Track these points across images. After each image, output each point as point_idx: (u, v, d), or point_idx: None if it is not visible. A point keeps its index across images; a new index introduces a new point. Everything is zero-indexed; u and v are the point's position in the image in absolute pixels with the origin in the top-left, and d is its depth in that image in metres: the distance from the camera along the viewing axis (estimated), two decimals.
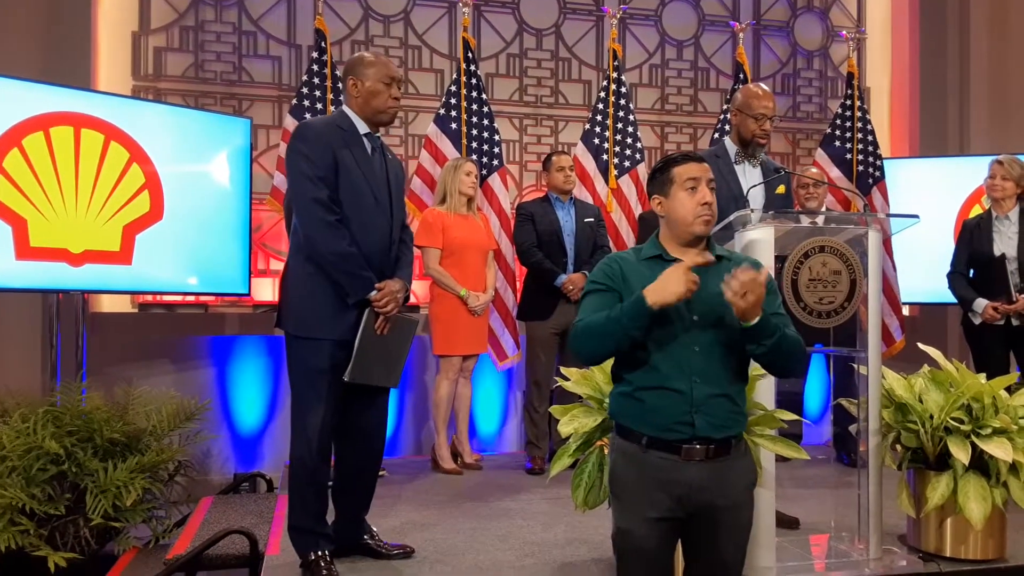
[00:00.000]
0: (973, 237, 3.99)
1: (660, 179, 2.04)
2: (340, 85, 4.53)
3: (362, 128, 2.75)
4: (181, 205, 4.12)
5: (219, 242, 4.30)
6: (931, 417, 2.85)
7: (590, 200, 4.81)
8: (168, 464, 3.71)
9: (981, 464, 2.81)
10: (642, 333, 1.87)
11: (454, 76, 4.78)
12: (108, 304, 4.69)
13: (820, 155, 5.39)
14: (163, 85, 4.88)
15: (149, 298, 4.69)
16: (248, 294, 4.54)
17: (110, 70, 4.75)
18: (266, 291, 4.99)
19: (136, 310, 4.72)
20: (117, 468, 3.34)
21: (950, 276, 4.06)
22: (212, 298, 4.74)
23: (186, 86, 4.92)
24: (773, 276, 2.57)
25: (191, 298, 4.71)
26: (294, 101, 4.50)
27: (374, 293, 2.66)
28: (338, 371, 2.67)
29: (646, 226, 4.52)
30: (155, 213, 4.02)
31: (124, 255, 3.92)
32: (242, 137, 4.42)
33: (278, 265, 4.99)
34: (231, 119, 4.54)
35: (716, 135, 5.33)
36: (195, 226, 4.19)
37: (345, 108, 2.79)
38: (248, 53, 5.04)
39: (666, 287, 1.83)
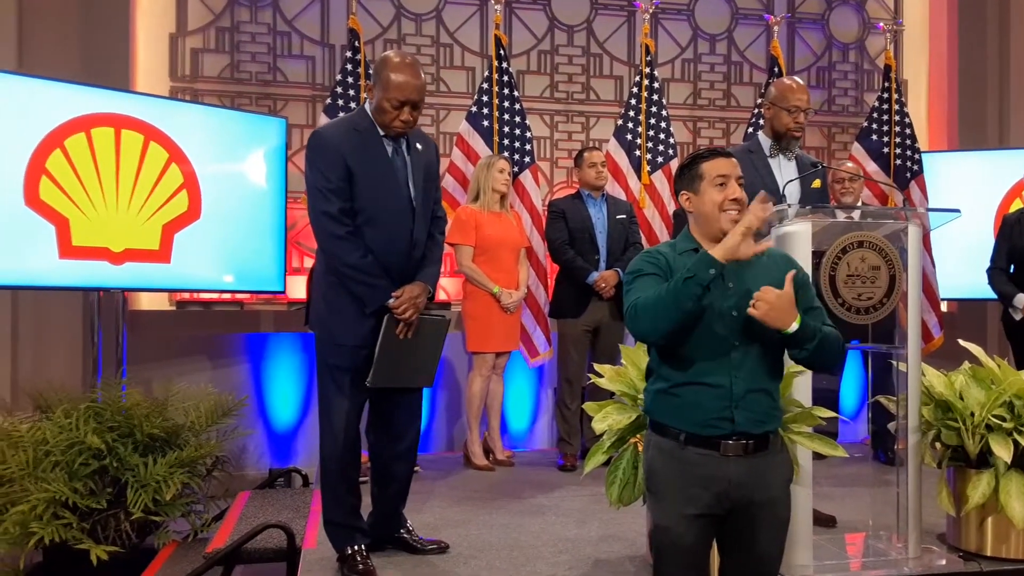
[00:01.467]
0: (1014, 232, 3.92)
1: (688, 175, 2.02)
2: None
3: (381, 129, 2.68)
4: (218, 204, 4.18)
5: (255, 240, 4.36)
6: (972, 415, 2.80)
7: (623, 196, 4.79)
8: (206, 459, 3.76)
9: (1023, 462, 2.76)
10: (701, 297, 1.82)
11: (486, 74, 4.80)
12: (147, 302, 4.78)
13: (856, 149, 5.31)
14: (200, 86, 4.95)
15: (187, 296, 4.76)
16: (283, 292, 4.60)
17: (148, 72, 4.83)
18: (300, 289, 5.03)
19: (174, 308, 4.80)
20: (157, 463, 3.40)
21: (990, 272, 3.99)
22: (248, 296, 4.80)
23: (222, 86, 4.99)
24: (809, 271, 2.55)
25: (227, 296, 4.77)
26: (328, 100, 4.54)
27: (392, 300, 2.64)
28: (361, 372, 2.67)
29: (680, 222, 4.49)
30: (193, 212, 4.08)
31: (163, 254, 3.99)
32: (277, 136, 4.47)
33: (311, 263, 5.03)
34: (266, 119, 4.59)
35: (750, 130, 5.27)
36: (232, 225, 4.24)
37: (366, 105, 2.71)
38: (283, 53, 5.10)
39: (734, 238, 1.82)
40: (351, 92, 4.50)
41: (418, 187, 2.74)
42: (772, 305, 1.81)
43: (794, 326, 1.84)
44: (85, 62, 4.43)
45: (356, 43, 4.57)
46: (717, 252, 1.81)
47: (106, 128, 3.81)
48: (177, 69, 4.93)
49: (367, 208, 2.64)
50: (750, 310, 1.82)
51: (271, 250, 4.44)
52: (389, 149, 2.69)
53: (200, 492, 3.75)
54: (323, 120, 4.46)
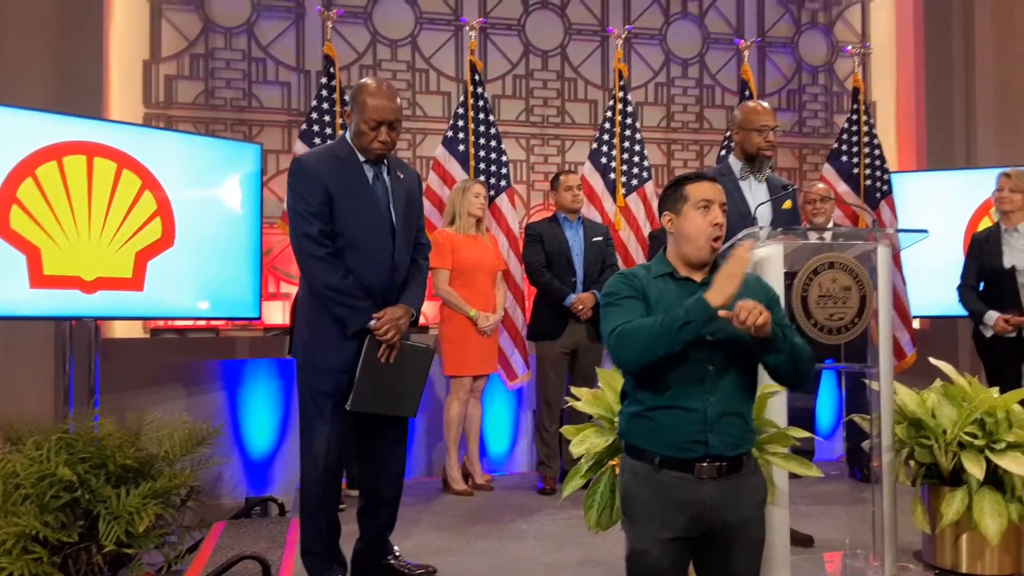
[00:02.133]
0: (983, 250, 3.99)
1: (673, 196, 2.04)
2: (348, 109, 4.58)
3: (361, 155, 2.72)
4: (192, 231, 4.15)
5: (230, 267, 4.33)
6: (944, 432, 2.84)
7: (598, 219, 4.82)
8: (180, 489, 3.70)
9: (996, 479, 2.80)
10: (694, 340, 1.83)
11: (461, 98, 4.83)
12: (120, 330, 4.73)
13: (827, 170, 5.40)
14: (174, 112, 4.94)
15: (161, 323, 4.72)
16: (259, 318, 4.57)
17: (122, 99, 4.81)
18: (276, 314, 5.01)
19: (148, 335, 4.75)
20: (129, 494, 3.33)
21: (960, 289, 4.05)
22: (223, 322, 4.76)
23: (197, 113, 4.98)
24: (781, 293, 2.58)
25: (202, 323, 4.73)
26: (303, 126, 4.54)
27: (373, 322, 2.65)
28: (344, 397, 2.68)
29: (656, 244, 4.53)
30: (167, 239, 4.05)
31: (136, 281, 3.95)
32: (252, 162, 4.46)
33: (289, 288, 5.02)
34: (241, 145, 4.58)
35: (722, 152, 5.34)
36: (206, 251, 4.22)
37: (347, 133, 2.77)
38: (258, 79, 5.11)
39: (728, 287, 1.81)
40: (327, 118, 4.51)
41: (399, 212, 2.76)
42: (750, 310, 1.79)
43: (769, 326, 1.82)
44: (59, 89, 4.40)
45: (331, 69, 4.59)
46: (714, 300, 1.80)
47: (78, 156, 3.78)
48: (151, 96, 4.91)
49: (347, 231, 2.66)
50: (736, 322, 1.80)
51: (246, 276, 4.41)
52: (370, 175, 2.73)
53: (174, 523, 3.68)
54: (299, 146, 4.47)
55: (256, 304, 4.46)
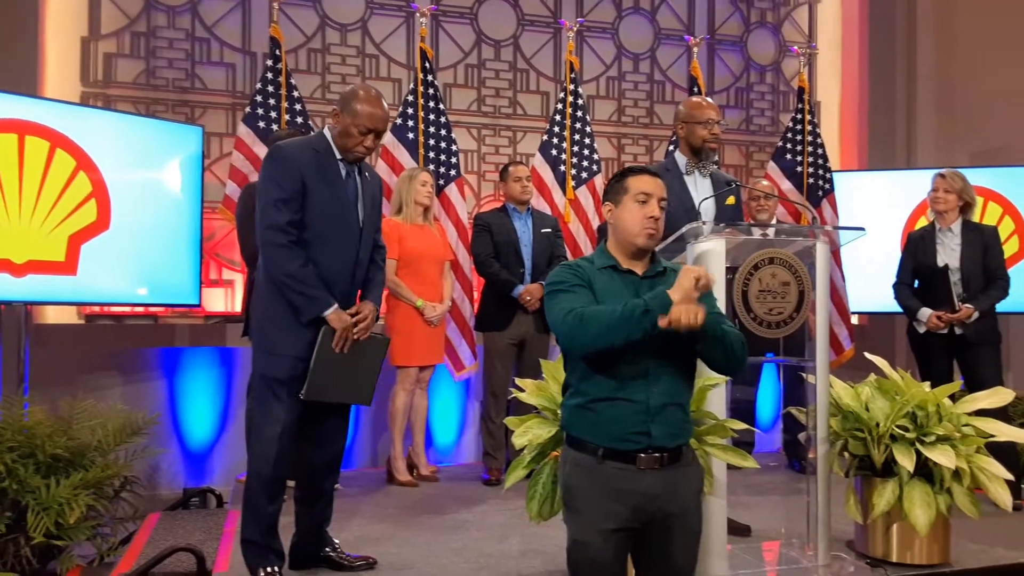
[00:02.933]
0: (918, 249, 4.09)
1: (615, 188, 2.07)
2: (295, 93, 4.50)
3: (338, 153, 2.76)
4: (130, 214, 4.03)
5: (169, 252, 4.22)
6: (877, 425, 2.91)
7: (548, 211, 4.83)
8: (114, 480, 3.62)
9: (926, 471, 2.88)
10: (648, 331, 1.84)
11: (411, 86, 4.77)
12: (53, 315, 4.57)
13: (772, 168, 5.49)
14: (113, 92, 4.78)
15: (96, 309, 4.57)
16: (199, 305, 4.46)
17: (58, 76, 4.64)
18: (218, 302, 4.90)
19: (83, 322, 4.60)
20: (60, 485, 3.25)
21: (896, 287, 4.16)
22: (162, 309, 4.64)
23: (137, 93, 4.82)
24: (723, 287, 2.61)
25: (140, 309, 4.60)
26: (248, 109, 4.44)
27: (329, 311, 2.66)
28: (297, 382, 2.68)
29: (604, 236, 4.55)
30: (102, 222, 3.93)
31: (69, 265, 3.82)
32: (194, 145, 4.35)
33: (231, 275, 4.91)
34: (183, 127, 4.46)
35: (671, 147, 5.39)
36: (144, 236, 4.10)
37: (326, 131, 2.80)
38: (201, 60, 4.97)
39: (688, 292, 1.83)
40: (271, 101, 4.41)
41: (366, 211, 2.83)
42: (687, 312, 1.81)
43: (701, 316, 1.84)
44: None
45: (277, 52, 4.49)
46: (674, 296, 1.82)
47: (9, 135, 3.64)
48: (89, 74, 4.74)
49: (317, 224, 2.69)
50: (666, 319, 1.81)
51: (187, 262, 4.30)
52: (343, 172, 2.77)
53: (107, 514, 3.60)
54: (243, 129, 4.38)
55: (196, 291, 4.36)
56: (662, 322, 1.81)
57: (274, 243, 2.64)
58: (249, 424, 2.74)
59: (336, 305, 2.68)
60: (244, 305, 3.86)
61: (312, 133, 3.18)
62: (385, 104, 2.80)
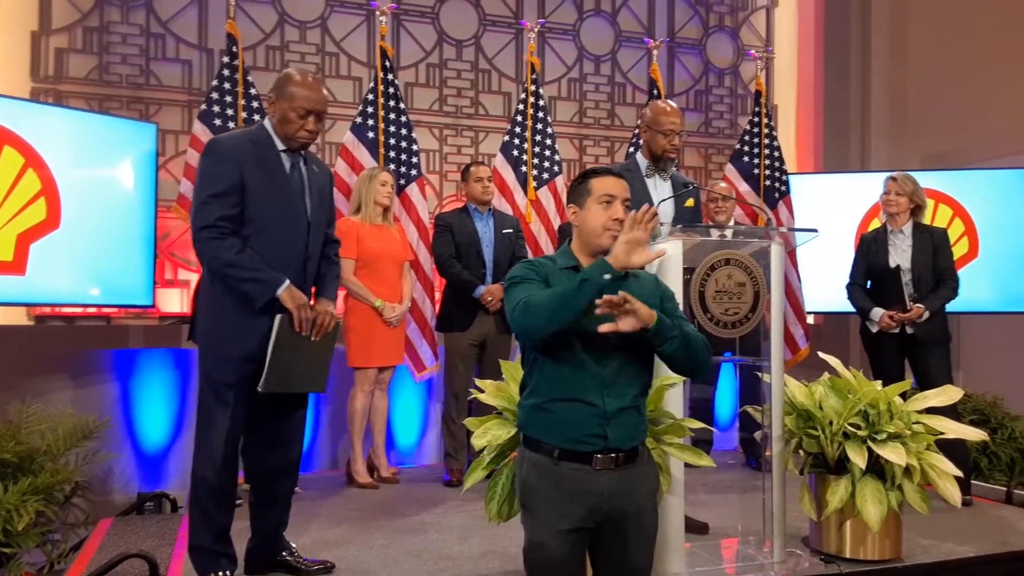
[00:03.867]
0: (870, 250, 4.17)
1: (579, 189, 2.08)
2: (252, 91, 4.43)
3: (280, 144, 2.69)
4: (81, 213, 3.94)
5: (122, 251, 4.13)
6: (830, 423, 2.96)
7: (509, 211, 4.83)
8: (64, 485, 3.53)
9: (877, 468, 2.93)
10: (593, 301, 1.82)
11: (371, 85, 4.74)
12: (1, 317, 4.43)
13: (729, 170, 5.56)
14: (65, 87, 4.66)
15: (47, 310, 4.46)
16: (153, 306, 4.37)
17: (7, 71, 4.51)
18: (173, 302, 4.81)
19: (32, 323, 4.48)
20: (8, 491, 3.16)
21: (849, 287, 4.23)
22: (115, 310, 4.54)
23: (90, 89, 4.71)
24: (680, 288, 2.64)
25: (92, 310, 4.50)
26: (204, 106, 4.36)
27: (281, 289, 2.58)
28: (245, 384, 2.62)
29: (565, 237, 4.56)
30: (52, 221, 3.83)
31: (17, 265, 3.72)
32: (148, 143, 4.27)
33: (186, 275, 4.82)
34: (136, 124, 4.37)
35: (632, 149, 5.43)
36: (96, 235, 4.01)
37: (266, 122, 2.73)
38: (156, 56, 4.88)
39: (630, 255, 1.83)
40: (228, 98, 4.34)
41: (314, 203, 2.76)
42: (628, 309, 1.82)
43: (654, 320, 1.86)
44: None
45: (234, 48, 4.42)
46: (611, 258, 1.83)
47: None
48: (40, 69, 4.62)
49: (259, 219, 2.62)
50: (609, 326, 1.82)
51: (140, 262, 4.22)
52: (287, 164, 2.71)
53: (57, 520, 3.52)
54: (198, 127, 4.29)
55: (150, 291, 4.28)
56: (614, 302, 1.80)
57: (207, 238, 2.56)
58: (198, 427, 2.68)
59: (288, 282, 2.60)
60: (191, 309, 3.79)
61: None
62: (322, 84, 2.72)
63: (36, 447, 3.48)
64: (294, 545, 2.90)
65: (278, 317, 2.60)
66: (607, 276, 1.81)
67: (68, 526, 3.62)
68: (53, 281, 3.86)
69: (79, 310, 4.50)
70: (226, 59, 4.40)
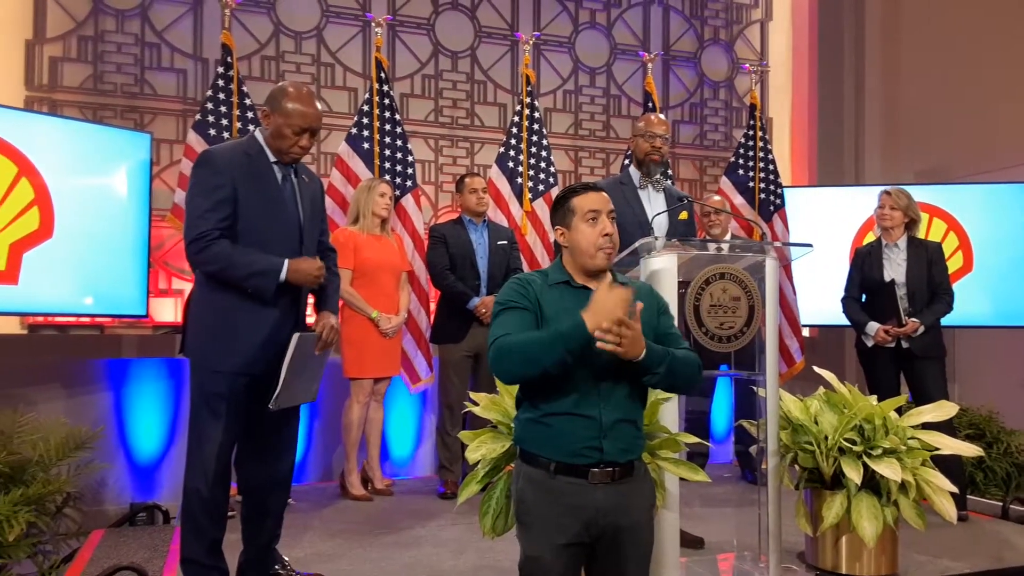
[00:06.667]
0: (865, 263, 4.18)
1: (561, 211, 2.06)
2: (247, 101, 4.43)
3: (272, 156, 2.69)
4: (75, 222, 3.92)
5: (116, 261, 4.11)
6: (826, 438, 2.96)
7: (504, 223, 4.83)
8: (56, 496, 3.51)
9: (873, 483, 2.93)
10: (574, 360, 1.83)
11: (367, 95, 4.74)
12: None
13: (724, 183, 5.57)
14: (59, 96, 4.66)
15: (40, 319, 4.43)
16: (146, 315, 4.35)
17: (1, 79, 4.50)
18: (167, 312, 4.79)
19: (25, 332, 4.45)
20: None
21: (844, 301, 4.24)
22: (108, 319, 4.52)
23: (84, 98, 4.71)
24: (676, 301, 2.63)
25: (86, 319, 4.48)
26: (198, 116, 4.36)
27: (283, 272, 2.58)
28: (238, 398, 2.62)
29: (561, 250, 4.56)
30: (45, 230, 3.82)
31: (10, 274, 3.70)
32: (143, 152, 4.26)
33: (180, 284, 4.81)
34: (131, 133, 4.36)
35: (627, 161, 5.44)
36: (90, 244, 3.99)
37: (258, 133, 2.72)
38: (151, 65, 4.87)
39: (604, 313, 1.80)
40: (223, 108, 4.34)
41: (306, 214, 2.76)
42: (624, 336, 1.82)
43: (642, 355, 1.86)
44: None
45: (229, 59, 4.42)
46: (589, 323, 1.80)
47: None
48: (34, 78, 4.62)
49: (253, 230, 2.61)
50: (602, 345, 1.81)
51: (134, 271, 4.20)
52: (279, 175, 2.70)
53: (49, 531, 3.49)
54: (192, 137, 4.29)
55: (143, 301, 4.26)
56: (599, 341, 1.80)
57: (200, 248, 2.55)
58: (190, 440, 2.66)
59: (287, 262, 2.59)
60: (183, 321, 3.77)
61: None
62: (316, 99, 2.72)
63: (28, 457, 3.46)
64: (287, 558, 2.88)
65: (295, 336, 2.60)
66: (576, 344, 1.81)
67: (60, 537, 3.59)
68: (46, 290, 3.84)
69: (72, 319, 4.47)
70: (221, 69, 4.40)
